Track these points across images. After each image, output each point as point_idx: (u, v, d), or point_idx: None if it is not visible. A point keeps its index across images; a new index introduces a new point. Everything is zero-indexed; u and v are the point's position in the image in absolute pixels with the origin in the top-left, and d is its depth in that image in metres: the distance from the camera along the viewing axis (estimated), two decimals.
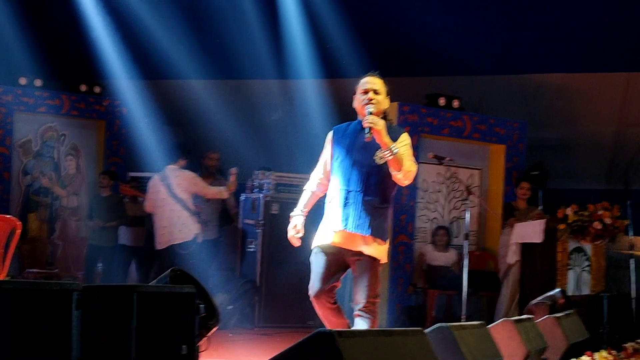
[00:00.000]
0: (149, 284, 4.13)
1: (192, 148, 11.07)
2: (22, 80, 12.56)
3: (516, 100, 13.82)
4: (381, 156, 6.12)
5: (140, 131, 13.08)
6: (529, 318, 7.18)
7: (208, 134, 13.05)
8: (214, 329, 5.54)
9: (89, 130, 13.30)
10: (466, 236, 9.44)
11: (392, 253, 11.40)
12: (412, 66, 13.68)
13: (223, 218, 11.89)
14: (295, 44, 13.19)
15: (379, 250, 6.20)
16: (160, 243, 10.33)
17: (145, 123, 13.01)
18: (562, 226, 10.41)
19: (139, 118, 13.12)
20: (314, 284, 6.24)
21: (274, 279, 11.25)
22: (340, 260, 6.24)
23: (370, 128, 6.03)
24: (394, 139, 6.14)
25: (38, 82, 12.64)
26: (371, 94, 6.27)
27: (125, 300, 4.12)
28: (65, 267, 12.57)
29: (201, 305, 4.65)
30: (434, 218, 12.16)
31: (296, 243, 6.36)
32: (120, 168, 13.18)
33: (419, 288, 11.65)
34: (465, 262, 9.41)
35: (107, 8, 13.33)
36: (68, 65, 13.81)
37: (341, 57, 12.85)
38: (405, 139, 6.28)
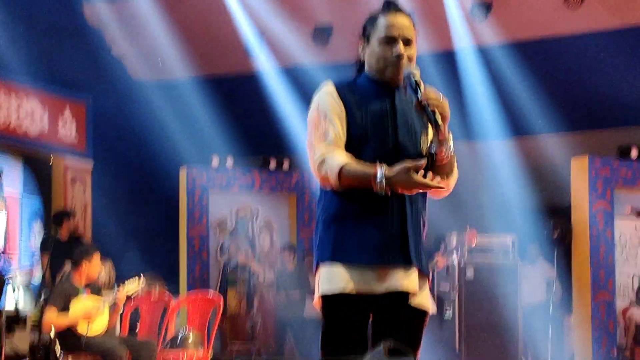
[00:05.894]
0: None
1: None
2: (215, 161, 12.93)
3: None
4: (438, 151, 3.75)
5: None
6: None
7: None
8: None
9: (280, 205, 13.53)
10: None
11: (594, 311, 11.08)
12: (601, 118, 13.37)
13: None
14: (480, 104, 13.12)
15: (429, 294, 3.92)
16: None
17: None
18: None
19: None
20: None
21: (474, 346, 11.06)
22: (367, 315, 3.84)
23: (436, 112, 3.67)
24: None
25: (230, 162, 12.98)
26: (400, 46, 3.83)
27: None
28: (265, 341, 12.75)
29: None
30: (635, 273, 11.75)
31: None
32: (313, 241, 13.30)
33: (624, 348, 11.25)
34: None
35: (292, 83, 13.63)
36: (256, 142, 14.16)
37: (528, 114, 12.70)
38: None
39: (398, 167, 3.58)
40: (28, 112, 13.21)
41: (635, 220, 11.09)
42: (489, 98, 13.01)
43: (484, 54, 12.88)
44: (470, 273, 11.15)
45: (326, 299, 3.74)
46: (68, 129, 13.89)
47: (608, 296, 11.27)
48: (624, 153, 11.73)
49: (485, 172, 13.30)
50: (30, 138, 13.24)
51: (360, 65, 3.96)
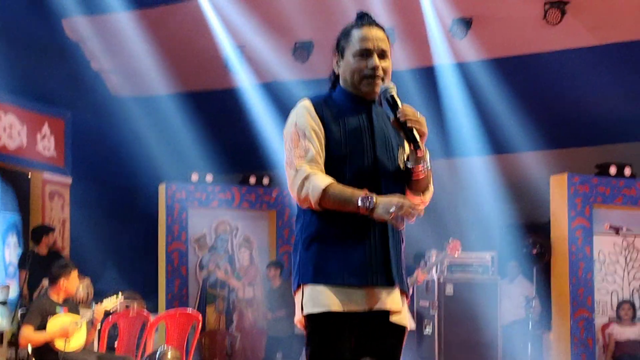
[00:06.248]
0: None
1: None
2: (194, 177, 12.92)
3: None
4: (414, 167, 3.74)
5: None
6: None
7: None
8: None
9: (260, 221, 13.51)
10: None
11: (573, 328, 11.10)
12: (580, 136, 13.43)
13: None
14: (459, 120, 13.14)
15: (407, 311, 3.88)
16: None
17: None
18: None
19: None
20: None
21: None
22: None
23: (414, 129, 3.67)
24: None
25: (209, 178, 12.97)
26: (375, 59, 3.78)
27: None
28: (244, 358, 12.71)
29: None
30: (614, 290, 11.78)
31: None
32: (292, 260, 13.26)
33: None
34: None
35: (272, 99, 13.63)
36: (236, 158, 14.14)
37: (507, 131, 12.72)
38: None
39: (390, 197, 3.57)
40: (6, 127, 13.13)
41: (614, 237, 11.12)
42: (468, 115, 13.02)
43: (464, 71, 12.89)
44: (449, 289, 11.15)
45: (312, 318, 3.71)
46: (47, 144, 13.81)
47: (587, 313, 11.29)
48: (602, 170, 11.79)
49: (465, 189, 13.32)
50: (8, 153, 13.16)
51: (335, 79, 3.92)
